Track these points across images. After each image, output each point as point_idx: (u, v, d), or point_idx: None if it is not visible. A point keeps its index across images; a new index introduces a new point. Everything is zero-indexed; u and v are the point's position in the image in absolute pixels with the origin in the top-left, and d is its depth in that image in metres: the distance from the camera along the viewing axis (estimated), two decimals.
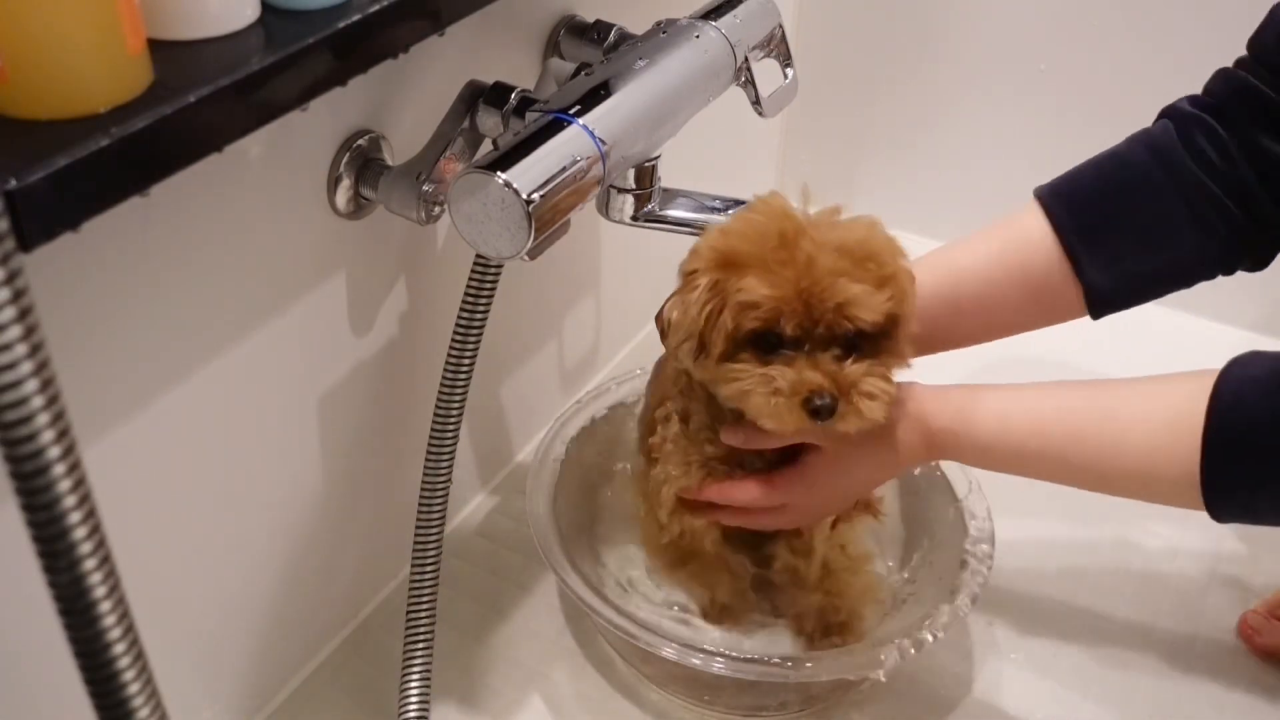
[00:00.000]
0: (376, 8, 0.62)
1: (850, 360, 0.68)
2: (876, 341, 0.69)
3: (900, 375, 0.72)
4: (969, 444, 0.73)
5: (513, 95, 0.73)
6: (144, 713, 0.43)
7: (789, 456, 0.76)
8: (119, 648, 0.41)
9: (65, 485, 0.39)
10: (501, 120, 0.74)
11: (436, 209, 0.72)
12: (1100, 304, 0.78)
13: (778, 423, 0.68)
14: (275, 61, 0.57)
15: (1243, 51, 0.76)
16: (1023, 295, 0.79)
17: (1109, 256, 0.77)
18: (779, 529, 0.80)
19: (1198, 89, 0.77)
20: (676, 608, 0.86)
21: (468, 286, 0.76)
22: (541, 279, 0.98)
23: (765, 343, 0.68)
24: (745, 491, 0.75)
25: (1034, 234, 0.78)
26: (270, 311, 0.72)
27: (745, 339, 0.68)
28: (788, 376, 0.67)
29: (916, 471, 0.90)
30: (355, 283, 0.78)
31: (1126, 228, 0.77)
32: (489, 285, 0.75)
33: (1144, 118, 0.79)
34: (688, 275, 0.70)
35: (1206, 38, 1.09)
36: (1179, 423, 0.66)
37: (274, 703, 0.84)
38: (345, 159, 0.72)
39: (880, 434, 0.71)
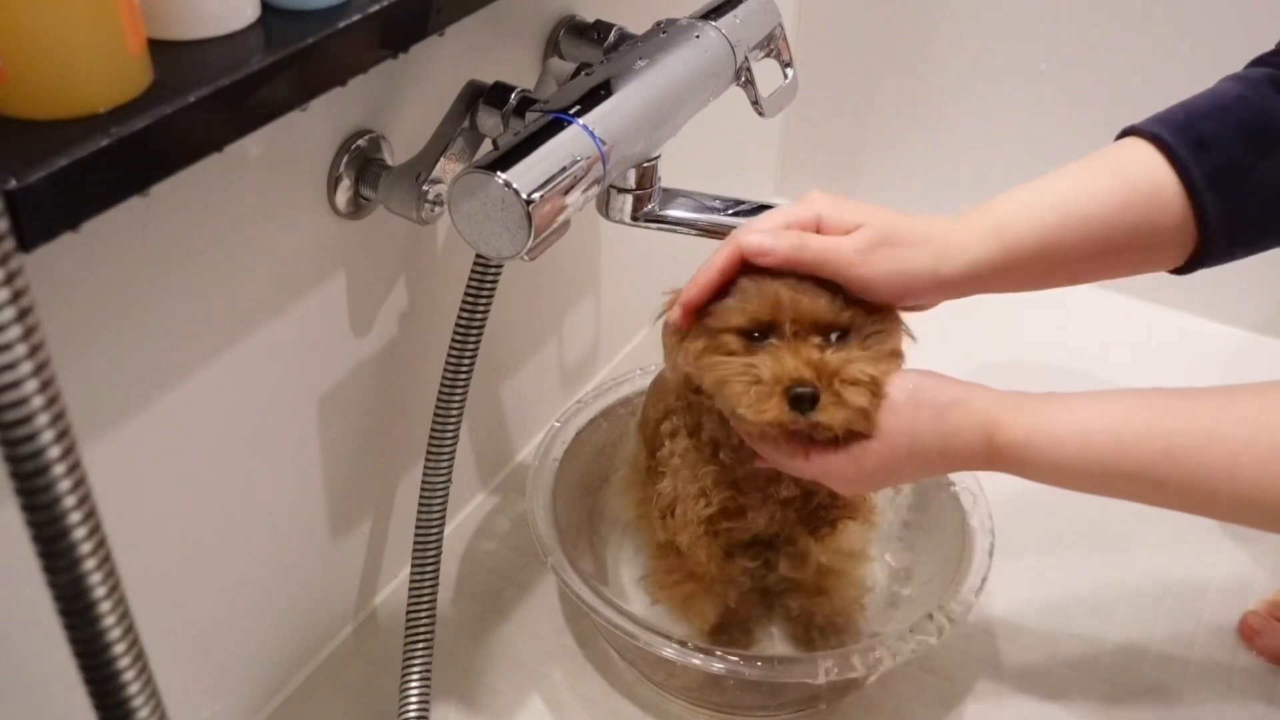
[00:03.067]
0: (376, 8, 0.62)
1: (833, 349, 0.67)
2: (863, 330, 0.68)
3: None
4: (1042, 461, 0.66)
5: (513, 95, 0.73)
6: (144, 713, 0.43)
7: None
8: (119, 648, 0.41)
9: (65, 485, 0.39)
10: (501, 120, 0.74)
11: (436, 209, 0.72)
12: (1205, 259, 0.71)
13: (755, 414, 0.66)
14: (275, 61, 0.57)
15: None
16: (1135, 248, 0.71)
17: (1236, 209, 0.69)
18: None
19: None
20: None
21: (468, 286, 0.76)
22: (541, 279, 0.98)
23: (750, 336, 0.68)
24: (793, 457, 0.70)
25: (1159, 180, 0.68)
26: (270, 311, 0.72)
27: (731, 330, 0.68)
28: (769, 366, 0.66)
29: None
30: (355, 283, 0.78)
31: (1262, 177, 0.69)
32: (489, 285, 0.76)
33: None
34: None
35: (1206, 33, 1.09)
36: None
37: (274, 703, 0.84)
38: (345, 159, 0.72)
39: (939, 432, 0.67)
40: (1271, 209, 0.70)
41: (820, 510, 0.78)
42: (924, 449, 0.67)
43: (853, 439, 0.67)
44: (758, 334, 0.68)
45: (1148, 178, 0.69)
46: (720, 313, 0.68)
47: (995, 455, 0.67)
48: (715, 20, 0.79)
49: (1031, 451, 0.66)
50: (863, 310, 0.68)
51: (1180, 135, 0.69)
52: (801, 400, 0.65)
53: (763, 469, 0.74)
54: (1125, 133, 0.72)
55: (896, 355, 0.69)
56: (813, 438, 0.68)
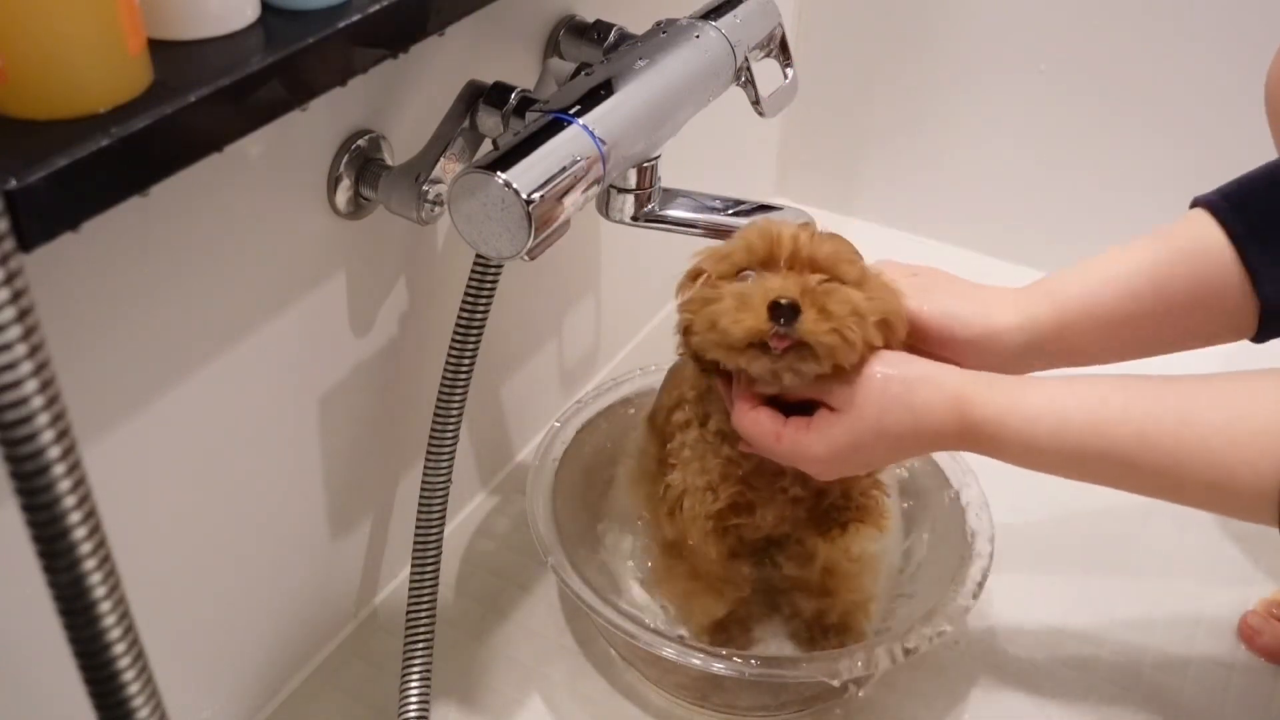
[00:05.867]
0: (376, 8, 0.63)
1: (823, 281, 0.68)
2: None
3: None
4: (1015, 439, 0.66)
5: (513, 95, 0.73)
6: (144, 713, 0.43)
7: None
8: (119, 648, 0.41)
9: (65, 485, 0.39)
10: (501, 120, 0.74)
11: (436, 209, 0.72)
12: (1273, 322, 0.71)
13: (733, 323, 0.66)
14: (275, 61, 0.57)
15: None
16: (1190, 312, 0.71)
17: None
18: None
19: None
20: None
21: (468, 286, 0.76)
22: (542, 278, 0.98)
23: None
24: (756, 421, 0.70)
25: (1207, 243, 0.69)
26: (270, 311, 0.72)
27: (731, 267, 0.70)
28: (755, 288, 0.67)
29: (915, 464, 0.90)
30: (355, 283, 0.78)
31: None
32: (489, 285, 0.76)
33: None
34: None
35: (1206, 33, 1.09)
36: (1265, 433, 0.61)
37: (274, 703, 0.84)
38: (345, 159, 0.72)
39: (909, 407, 0.67)
40: None
41: (833, 512, 0.78)
42: (895, 425, 0.67)
43: (824, 418, 0.68)
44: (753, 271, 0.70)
45: (1198, 237, 0.70)
46: (721, 256, 0.71)
47: (967, 433, 0.67)
48: (715, 20, 0.79)
49: (1004, 430, 0.66)
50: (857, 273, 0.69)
51: (1227, 197, 0.70)
52: (781, 310, 0.65)
53: (769, 464, 0.74)
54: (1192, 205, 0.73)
55: (886, 314, 0.69)
56: (785, 414, 0.69)
